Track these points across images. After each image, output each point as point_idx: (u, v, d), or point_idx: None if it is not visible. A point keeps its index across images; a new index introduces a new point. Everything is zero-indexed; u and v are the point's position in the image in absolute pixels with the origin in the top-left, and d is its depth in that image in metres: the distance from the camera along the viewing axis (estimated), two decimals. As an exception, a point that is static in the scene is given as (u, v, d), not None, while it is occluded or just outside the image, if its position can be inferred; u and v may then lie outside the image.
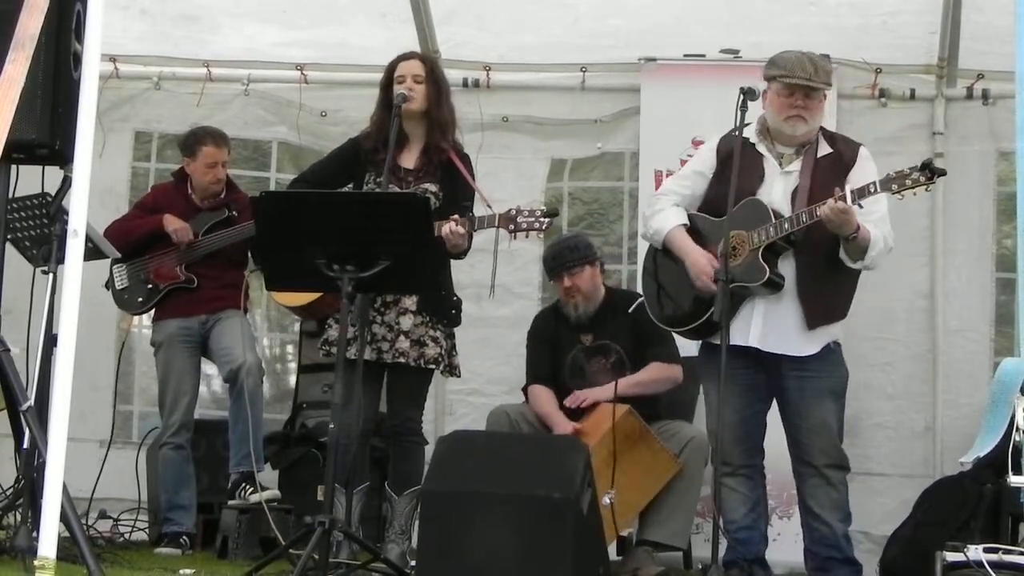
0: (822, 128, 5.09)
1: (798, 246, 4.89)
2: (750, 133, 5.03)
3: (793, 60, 4.94)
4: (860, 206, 4.76)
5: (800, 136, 4.98)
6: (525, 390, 5.85)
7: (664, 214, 5.11)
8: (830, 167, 4.93)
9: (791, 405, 4.98)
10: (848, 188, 4.74)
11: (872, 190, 4.73)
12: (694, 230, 5.06)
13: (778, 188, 4.96)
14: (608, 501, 5.17)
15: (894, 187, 4.70)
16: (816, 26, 6.21)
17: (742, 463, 5.02)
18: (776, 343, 4.92)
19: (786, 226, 4.83)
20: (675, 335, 5.43)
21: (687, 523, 5.64)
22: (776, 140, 5.03)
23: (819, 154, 4.98)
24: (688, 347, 5.86)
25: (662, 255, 5.17)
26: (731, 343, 4.90)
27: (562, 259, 5.77)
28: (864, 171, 4.90)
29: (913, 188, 4.69)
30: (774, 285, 4.90)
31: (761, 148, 5.03)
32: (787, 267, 4.92)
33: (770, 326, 4.93)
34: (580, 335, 5.78)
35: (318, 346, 5.49)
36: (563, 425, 5.55)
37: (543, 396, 5.72)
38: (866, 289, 5.25)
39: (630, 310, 5.64)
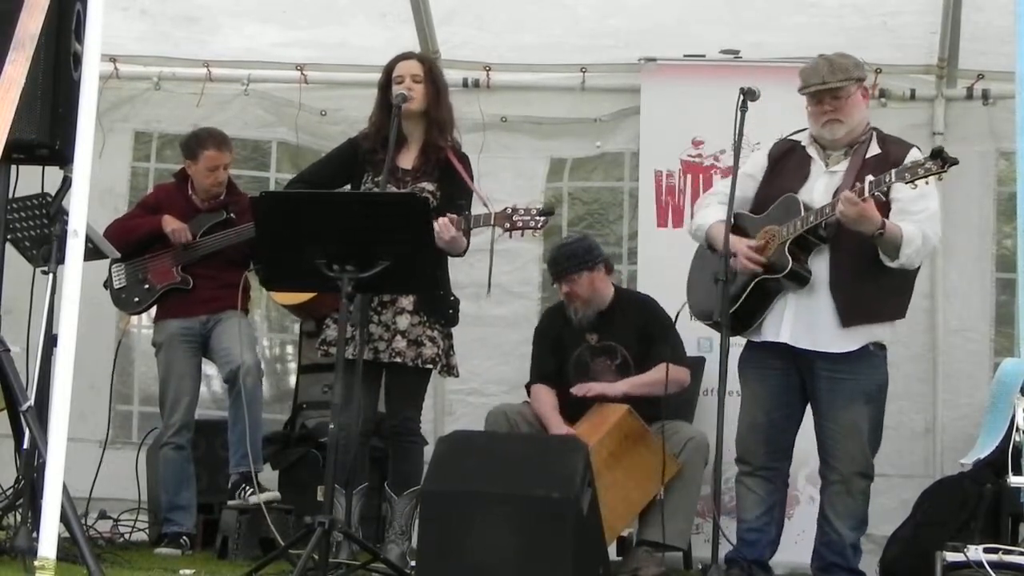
0: (877, 130, 5.07)
1: (833, 243, 4.86)
2: (802, 137, 5.08)
3: (809, 69, 4.97)
4: (884, 196, 4.73)
5: (841, 137, 4.97)
6: (528, 387, 5.86)
7: (707, 210, 5.13)
8: (876, 167, 4.87)
9: (822, 407, 4.94)
10: (868, 180, 4.72)
11: (887, 180, 4.71)
12: (738, 227, 5.02)
13: (820, 187, 4.95)
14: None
15: (907, 176, 4.68)
16: (817, 26, 6.21)
17: (763, 464, 5.00)
18: (808, 340, 4.89)
19: (811, 218, 4.82)
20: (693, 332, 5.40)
21: (687, 523, 5.64)
22: (824, 146, 5.03)
23: (868, 154, 4.96)
24: (689, 348, 5.88)
25: (704, 251, 5.17)
26: (764, 339, 4.95)
27: (559, 266, 5.79)
28: None
29: (926, 177, 4.66)
30: (799, 278, 4.87)
31: (811, 150, 5.05)
32: (820, 263, 4.89)
33: (802, 322, 4.90)
34: (586, 334, 5.79)
35: (316, 346, 5.49)
36: (557, 429, 5.55)
37: (544, 396, 5.72)
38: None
39: (625, 313, 5.62)
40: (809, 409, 5.05)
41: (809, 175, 5.00)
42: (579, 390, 5.60)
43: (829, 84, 4.91)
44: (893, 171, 4.73)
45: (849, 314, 4.86)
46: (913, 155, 4.93)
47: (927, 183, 4.71)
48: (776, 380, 4.99)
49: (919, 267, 5.01)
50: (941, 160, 4.64)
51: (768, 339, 4.94)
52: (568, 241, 6.02)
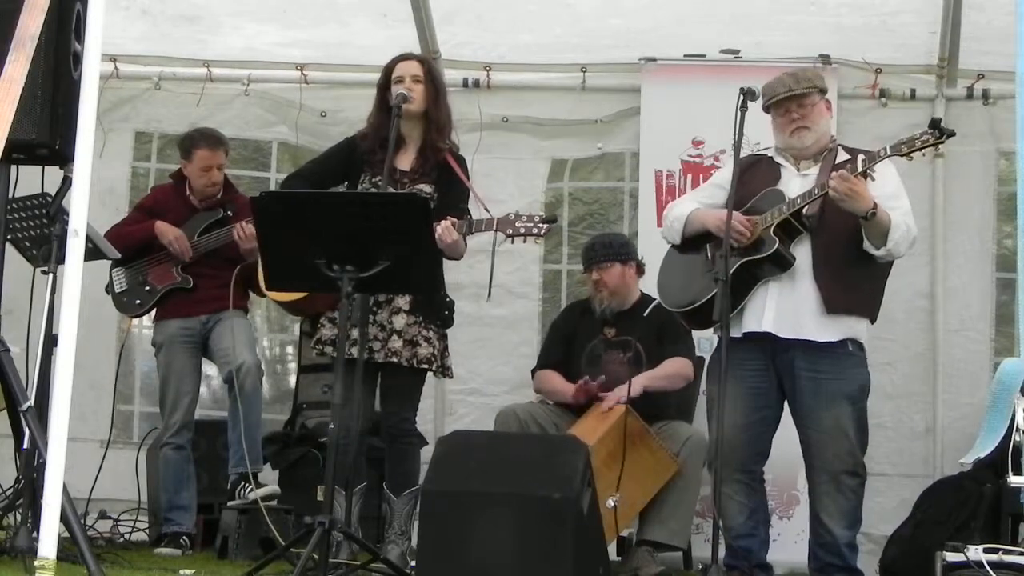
0: (843, 145, 5.10)
1: (815, 232, 4.87)
2: (769, 151, 5.12)
3: (773, 82, 5.03)
4: (872, 177, 4.75)
5: (810, 145, 5.00)
6: (533, 373, 5.95)
7: (681, 206, 5.19)
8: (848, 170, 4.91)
9: (804, 408, 4.92)
10: (860, 158, 4.74)
11: (883, 154, 4.74)
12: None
13: (794, 188, 4.97)
14: (612, 504, 5.21)
15: (904, 148, 4.72)
16: (816, 26, 6.21)
17: (740, 469, 4.97)
18: (790, 328, 4.88)
19: (798, 200, 4.85)
20: (692, 329, 5.39)
21: (687, 523, 5.65)
22: (792, 157, 5.06)
23: (838, 160, 4.98)
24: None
25: (679, 251, 5.18)
26: (745, 330, 4.93)
27: (593, 253, 5.90)
28: (884, 174, 4.87)
29: (923, 148, 4.70)
30: (783, 262, 4.87)
31: (779, 159, 5.08)
32: (803, 251, 4.90)
33: (784, 311, 4.89)
34: (604, 328, 5.85)
35: (311, 345, 5.48)
36: (573, 389, 5.64)
37: (551, 376, 5.85)
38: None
39: (645, 313, 5.65)
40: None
41: (781, 178, 5.03)
42: (607, 405, 5.56)
43: (796, 91, 4.97)
44: (888, 145, 4.77)
45: (832, 301, 4.86)
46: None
47: (923, 155, 4.73)
48: (754, 381, 4.96)
49: (890, 268, 5.01)
50: (939, 131, 4.67)
51: (749, 330, 4.92)
52: (605, 233, 6.19)
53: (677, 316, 5.30)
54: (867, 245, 4.84)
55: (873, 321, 5.05)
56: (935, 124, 4.71)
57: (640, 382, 5.57)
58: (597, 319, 5.86)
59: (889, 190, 4.85)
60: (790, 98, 4.97)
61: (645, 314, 5.81)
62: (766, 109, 5.04)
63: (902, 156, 4.74)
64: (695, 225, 5.08)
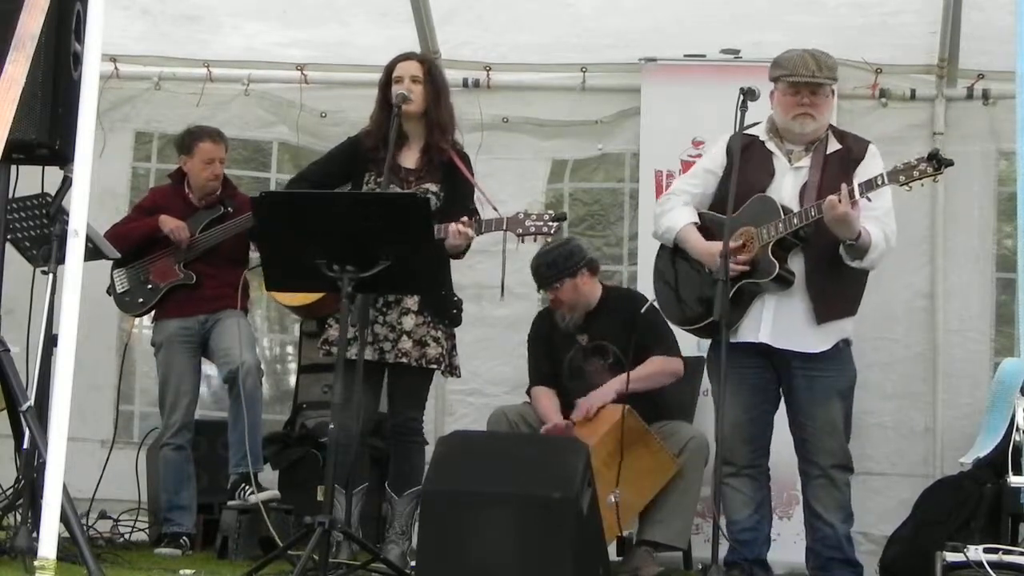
0: (832, 126, 5.07)
1: (808, 241, 4.86)
2: (759, 132, 5.04)
3: (796, 59, 4.93)
4: (868, 199, 4.72)
5: (809, 133, 4.96)
6: (529, 392, 5.88)
7: (673, 213, 5.10)
8: (839, 163, 4.90)
9: (799, 404, 4.95)
10: (856, 182, 4.72)
11: (880, 182, 4.71)
12: (705, 228, 5.03)
13: (787, 184, 4.94)
14: (613, 500, 5.21)
15: (901, 178, 4.68)
16: (816, 26, 6.20)
17: (747, 464, 4.99)
18: (787, 340, 4.89)
19: (795, 221, 4.81)
20: (687, 333, 5.33)
21: (687, 523, 5.65)
22: (785, 138, 5.01)
23: (828, 151, 4.96)
24: (689, 347, 5.88)
25: (672, 254, 5.15)
26: (742, 340, 4.92)
27: (540, 275, 5.78)
28: (872, 167, 4.85)
29: (920, 179, 4.67)
30: (784, 281, 4.87)
31: (770, 146, 5.02)
32: (796, 263, 4.89)
33: (780, 322, 4.89)
34: (576, 336, 5.79)
35: (317, 346, 5.48)
36: (557, 422, 5.57)
37: (543, 399, 5.75)
38: (866, 288, 5.24)
39: (643, 310, 5.61)
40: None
41: (774, 173, 4.98)
42: (579, 415, 5.56)
43: (818, 79, 4.90)
44: (885, 173, 4.73)
45: (823, 312, 4.88)
46: (870, 151, 4.97)
47: (922, 185, 4.72)
48: (752, 379, 4.97)
49: None
50: (936, 162, 4.65)
51: (747, 340, 4.92)
52: (548, 248, 5.79)
53: (684, 331, 5.26)
54: (843, 255, 4.83)
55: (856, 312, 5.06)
56: (933, 155, 4.68)
57: (613, 388, 5.53)
58: (564, 331, 5.79)
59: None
60: (809, 83, 4.91)
61: (614, 313, 5.75)
62: (775, 79, 4.97)
63: (900, 186, 4.71)
64: (686, 243, 5.04)
